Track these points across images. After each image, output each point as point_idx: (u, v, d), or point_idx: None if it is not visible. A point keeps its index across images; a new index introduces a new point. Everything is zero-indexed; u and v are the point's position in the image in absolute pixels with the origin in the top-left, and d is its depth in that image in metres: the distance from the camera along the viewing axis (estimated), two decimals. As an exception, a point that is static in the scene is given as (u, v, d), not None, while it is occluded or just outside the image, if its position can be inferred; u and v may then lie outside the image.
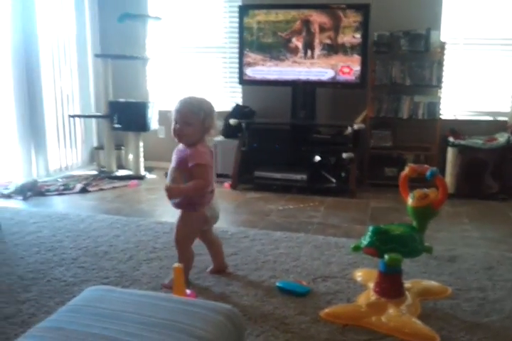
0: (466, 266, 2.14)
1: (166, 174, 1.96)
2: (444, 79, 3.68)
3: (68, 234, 2.51)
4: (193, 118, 1.74)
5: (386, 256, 1.59)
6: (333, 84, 3.74)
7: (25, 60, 3.73)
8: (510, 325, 1.63)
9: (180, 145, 1.84)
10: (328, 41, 3.64)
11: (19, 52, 3.69)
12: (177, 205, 1.85)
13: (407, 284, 1.76)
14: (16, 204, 3.20)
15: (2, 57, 3.61)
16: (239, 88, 4.24)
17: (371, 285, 1.76)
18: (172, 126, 1.79)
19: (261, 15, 3.73)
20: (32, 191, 3.42)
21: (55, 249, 2.29)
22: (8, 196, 3.33)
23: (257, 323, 1.61)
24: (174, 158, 1.84)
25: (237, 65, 3.94)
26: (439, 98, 3.68)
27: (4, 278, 1.94)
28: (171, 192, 1.74)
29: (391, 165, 3.79)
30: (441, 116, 3.71)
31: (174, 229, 1.90)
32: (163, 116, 4.16)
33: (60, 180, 3.90)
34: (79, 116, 4.31)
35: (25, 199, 3.30)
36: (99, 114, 4.29)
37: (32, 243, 2.36)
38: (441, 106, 3.69)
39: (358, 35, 3.57)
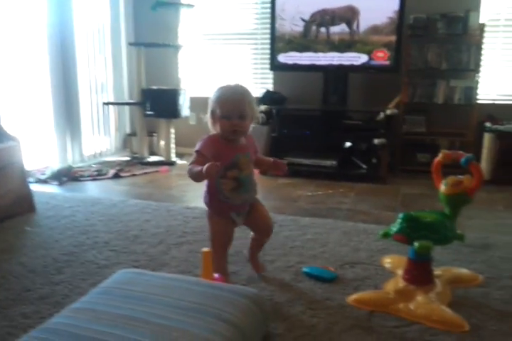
0: (499, 254, 2.08)
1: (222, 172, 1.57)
2: (482, 63, 3.54)
3: (101, 218, 2.58)
4: (247, 110, 1.58)
5: (416, 243, 1.57)
6: (366, 69, 3.66)
7: (61, 48, 3.80)
8: (544, 316, 1.58)
9: (222, 140, 1.63)
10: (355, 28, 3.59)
11: (55, 41, 3.76)
12: (255, 196, 1.73)
13: (437, 271, 1.73)
14: (52, 189, 3.30)
15: (39, 46, 3.70)
16: (270, 74, 4.21)
17: (400, 272, 1.73)
18: (213, 121, 1.60)
19: (289, 4, 3.69)
20: (67, 176, 3.51)
21: (89, 232, 2.35)
22: (45, 181, 3.43)
23: (283, 308, 1.61)
24: (239, 153, 1.66)
25: (268, 51, 3.90)
26: (477, 82, 3.56)
27: (40, 260, 2.01)
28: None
29: (424, 151, 3.71)
30: (478, 101, 3.59)
31: (266, 218, 1.76)
32: (194, 103, 4.19)
33: (93, 165, 3.99)
34: (112, 103, 4.39)
35: (60, 184, 3.40)
36: (132, 101, 4.35)
37: (66, 226, 2.44)
38: (478, 91, 3.57)
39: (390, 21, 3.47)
